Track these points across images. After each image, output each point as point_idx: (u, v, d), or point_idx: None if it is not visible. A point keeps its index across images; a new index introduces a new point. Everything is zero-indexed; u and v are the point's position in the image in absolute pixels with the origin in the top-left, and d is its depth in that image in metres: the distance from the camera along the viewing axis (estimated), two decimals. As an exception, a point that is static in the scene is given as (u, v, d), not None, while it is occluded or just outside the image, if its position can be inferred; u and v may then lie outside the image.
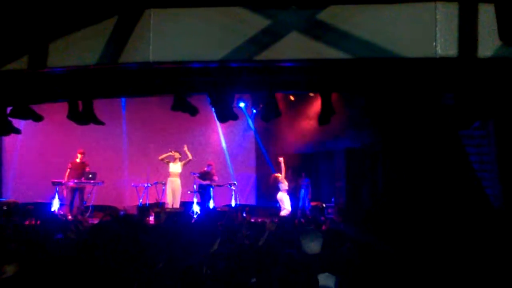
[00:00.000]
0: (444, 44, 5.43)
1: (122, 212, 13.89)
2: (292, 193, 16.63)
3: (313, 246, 4.67)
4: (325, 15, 5.65)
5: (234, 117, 8.64)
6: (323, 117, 8.44)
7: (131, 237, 5.90)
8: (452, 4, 5.54)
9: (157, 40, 5.96)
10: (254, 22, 5.82)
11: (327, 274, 4.43)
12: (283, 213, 15.01)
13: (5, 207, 13.14)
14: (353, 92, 8.51)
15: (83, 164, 14.45)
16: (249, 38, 5.85)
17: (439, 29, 5.46)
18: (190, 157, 14.80)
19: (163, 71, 6.89)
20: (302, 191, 16.54)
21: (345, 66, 6.35)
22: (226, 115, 8.37)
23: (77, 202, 14.34)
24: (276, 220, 12.41)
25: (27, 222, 10.58)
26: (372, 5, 5.61)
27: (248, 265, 5.19)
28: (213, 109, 8.52)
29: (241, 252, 5.52)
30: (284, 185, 15.38)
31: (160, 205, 14.67)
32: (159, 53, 6.02)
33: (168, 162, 14.67)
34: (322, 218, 13.98)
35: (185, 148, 14.86)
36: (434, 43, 5.44)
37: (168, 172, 14.67)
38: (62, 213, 13.84)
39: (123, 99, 16.55)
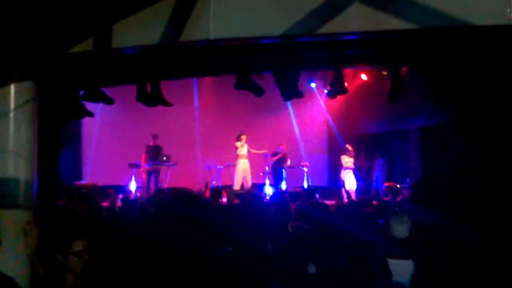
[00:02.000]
0: (520, 9, 5.04)
1: (194, 193, 14.10)
2: (366, 174, 16.36)
3: (402, 229, 4.34)
4: (389, -17, 5.38)
5: (300, 94, 8.49)
6: (393, 94, 8.16)
7: (202, 218, 5.93)
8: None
9: (217, 17, 5.87)
10: (315, -5, 5.63)
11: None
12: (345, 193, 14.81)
13: (84, 190, 13.59)
14: (422, 66, 8.12)
15: (157, 146, 14.76)
16: (311, 11, 5.65)
17: (514, -6, 5.08)
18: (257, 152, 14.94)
19: (225, 49, 6.83)
20: (376, 172, 16.23)
21: (412, 37, 6.06)
22: (291, 93, 8.24)
23: (152, 184, 14.69)
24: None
25: (106, 204, 10.90)
26: (440, -29, 5.29)
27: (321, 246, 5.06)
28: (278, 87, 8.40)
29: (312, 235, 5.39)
30: (345, 162, 15.12)
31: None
32: (220, 30, 5.93)
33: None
34: (398, 198, 13.67)
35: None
36: (508, 9, 5.05)
37: (238, 154, 14.54)
38: (139, 195, 14.21)
39: (194, 81, 16.70)
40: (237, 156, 14.49)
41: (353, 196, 14.61)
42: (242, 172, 14.36)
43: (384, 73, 14.29)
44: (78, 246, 3.88)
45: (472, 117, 12.36)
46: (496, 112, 11.19)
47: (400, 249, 4.26)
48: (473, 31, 5.29)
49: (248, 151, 14.62)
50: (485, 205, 9.34)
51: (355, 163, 15.66)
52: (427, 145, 15.29)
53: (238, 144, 14.36)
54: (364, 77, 15.81)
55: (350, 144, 15.62)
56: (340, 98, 16.06)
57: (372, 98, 16.05)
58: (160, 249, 4.73)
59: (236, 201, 12.12)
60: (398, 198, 13.59)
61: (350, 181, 15.00)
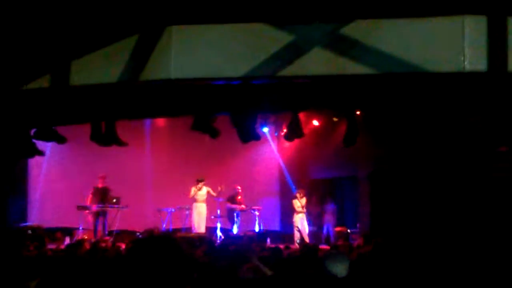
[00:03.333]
0: (473, 58, 5.27)
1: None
2: (317, 218, 16.41)
3: (339, 268, 4.42)
4: (349, 30, 5.54)
5: (257, 137, 8.55)
6: (349, 138, 8.30)
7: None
8: (480, 18, 5.39)
9: (178, 57, 5.90)
10: (277, 38, 5.74)
11: None
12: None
13: (29, 231, 13.15)
14: (378, 111, 8.32)
15: (105, 188, 14.46)
16: (272, 54, 5.75)
17: (467, 43, 5.31)
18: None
19: (184, 90, 6.84)
20: (327, 216, 16.30)
21: (370, 82, 6.22)
22: (249, 135, 8.28)
23: (100, 226, 14.34)
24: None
25: (52, 246, 10.58)
26: (398, 19, 5.49)
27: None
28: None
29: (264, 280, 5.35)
30: (297, 207, 15.24)
31: (184, 230, 14.64)
32: (181, 70, 5.95)
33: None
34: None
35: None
36: (462, 58, 5.28)
37: (195, 198, 14.81)
38: (86, 238, 13.83)
39: (148, 123, 16.57)
40: (194, 200, 14.83)
41: (306, 240, 14.62)
42: (197, 216, 14.58)
43: (335, 119, 14.57)
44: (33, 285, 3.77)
45: (420, 163, 12.66)
46: (444, 159, 11.53)
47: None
48: (430, 77, 5.48)
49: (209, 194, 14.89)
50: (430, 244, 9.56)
51: (307, 208, 15.72)
52: (377, 190, 15.49)
53: (193, 189, 14.72)
54: (315, 122, 16.02)
55: (302, 189, 15.69)
56: (292, 143, 16.28)
57: (323, 143, 16.26)
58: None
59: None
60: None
61: (302, 226, 15.01)
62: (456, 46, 5.32)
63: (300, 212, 15.26)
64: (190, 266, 5.95)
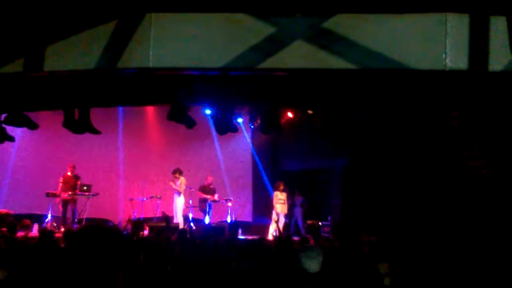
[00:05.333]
0: (454, 56, 5.27)
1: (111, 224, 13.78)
2: (289, 210, 16.47)
3: (313, 264, 4.38)
4: (331, 24, 5.49)
5: (234, 129, 8.48)
6: (325, 130, 8.27)
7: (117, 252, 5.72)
8: (463, 16, 5.40)
9: (157, 46, 5.78)
10: (257, 30, 5.66)
11: None
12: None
13: (-4, 218, 12.90)
14: (356, 107, 8.33)
15: (75, 177, 14.30)
16: (252, 46, 5.68)
17: (449, 41, 5.31)
18: (178, 189, 15.11)
19: (162, 79, 6.74)
20: (296, 208, 16.38)
21: (351, 77, 6.20)
22: (225, 127, 8.20)
23: (69, 214, 14.16)
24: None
25: (21, 234, 10.38)
26: (380, 15, 5.46)
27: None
28: (211, 121, 8.38)
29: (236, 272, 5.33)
30: (278, 199, 15.30)
31: (155, 220, 14.58)
32: (159, 59, 5.84)
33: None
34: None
35: (171, 183, 15.12)
36: (443, 55, 5.28)
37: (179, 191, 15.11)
38: (55, 224, 13.64)
39: (120, 111, 16.35)
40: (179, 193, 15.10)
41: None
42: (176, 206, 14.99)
43: (310, 112, 14.56)
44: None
45: (395, 159, 12.76)
46: (419, 155, 11.62)
47: (313, 284, 4.30)
48: (410, 74, 5.48)
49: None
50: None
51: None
52: (349, 184, 15.58)
53: (183, 180, 15.17)
54: (290, 114, 16.01)
55: (281, 181, 15.69)
56: (265, 135, 16.26)
57: (297, 136, 16.29)
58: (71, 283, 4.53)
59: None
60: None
61: (280, 218, 15.12)
62: (438, 43, 5.32)
63: (281, 204, 15.31)
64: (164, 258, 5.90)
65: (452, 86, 6.54)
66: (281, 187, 15.49)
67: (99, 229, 9.16)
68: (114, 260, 5.03)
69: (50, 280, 4.52)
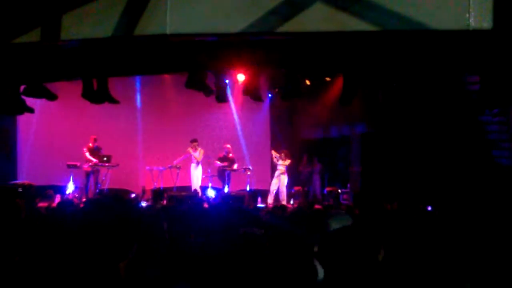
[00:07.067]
0: (478, 15, 5.12)
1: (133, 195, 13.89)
2: (307, 178, 16.51)
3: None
4: (351, -15, 5.37)
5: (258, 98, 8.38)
6: (345, 97, 8.17)
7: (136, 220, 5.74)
8: (486, -27, 5.23)
9: (174, 11, 5.69)
10: (276, -7, 5.56)
11: None
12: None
13: (20, 189, 13.03)
14: (376, 70, 8.18)
15: (97, 147, 14.45)
16: (270, 9, 5.56)
17: (472, 0, 5.16)
18: (197, 158, 15.19)
19: (179, 46, 6.67)
20: (315, 176, 16.40)
21: (371, 39, 6.08)
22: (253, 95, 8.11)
23: (91, 185, 14.30)
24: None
25: (43, 204, 10.48)
26: (401, -25, 5.32)
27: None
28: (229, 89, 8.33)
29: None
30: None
31: (175, 189, 14.66)
32: (176, 25, 5.75)
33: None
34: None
35: (189, 149, 15.20)
36: (467, 14, 5.13)
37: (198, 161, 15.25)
38: (77, 195, 13.78)
39: (138, 81, 16.34)
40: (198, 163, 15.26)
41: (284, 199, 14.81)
42: (194, 175, 15.32)
43: (328, 79, 14.42)
44: None
45: (413, 125, 12.65)
46: (437, 121, 11.49)
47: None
48: (431, 35, 5.34)
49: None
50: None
51: (297, 168, 15.95)
52: (368, 151, 15.54)
53: (201, 150, 15.26)
54: (307, 81, 15.85)
55: (286, 150, 15.57)
56: (283, 103, 16.16)
57: (315, 103, 16.19)
58: (92, 248, 4.54)
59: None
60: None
61: (282, 186, 15.10)
62: (461, 1, 5.16)
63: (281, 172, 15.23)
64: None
65: (475, 48, 6.39)
66: (283, 154, 15.38)
67: (118, 197, 9.25)
68: (130, 228, 5.05)
69: (64, 247, 4.54)
